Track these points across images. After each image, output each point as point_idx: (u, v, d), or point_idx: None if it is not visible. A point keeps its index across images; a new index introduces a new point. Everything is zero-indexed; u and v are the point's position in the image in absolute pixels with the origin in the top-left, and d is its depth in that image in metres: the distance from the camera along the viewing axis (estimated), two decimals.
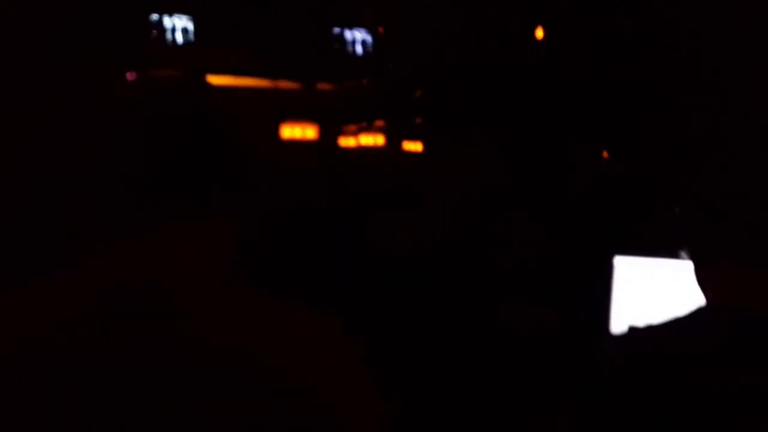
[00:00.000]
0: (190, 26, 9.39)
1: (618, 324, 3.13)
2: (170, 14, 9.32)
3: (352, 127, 9.39)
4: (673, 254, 3.12)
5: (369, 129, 9.40)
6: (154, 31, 9.14)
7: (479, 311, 4.30)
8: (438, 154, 7.52)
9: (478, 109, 7.18)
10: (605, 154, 6.73)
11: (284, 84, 9.32)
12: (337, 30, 9.74)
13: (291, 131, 8.71)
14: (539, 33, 7.95)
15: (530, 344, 3.93)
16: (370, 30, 9.88)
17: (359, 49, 9.88)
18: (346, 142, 9.31)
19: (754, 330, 1.11)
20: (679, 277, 3.08)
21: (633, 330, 1.27)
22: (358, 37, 9.88)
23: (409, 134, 8.99)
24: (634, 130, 6.30)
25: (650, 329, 1.23)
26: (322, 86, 9.57)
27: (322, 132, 8.97)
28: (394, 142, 9.24)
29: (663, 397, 1.10)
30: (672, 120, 5.72)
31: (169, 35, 9.30)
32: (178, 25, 9.36)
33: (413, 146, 9.03)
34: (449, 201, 5.64)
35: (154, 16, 9.15)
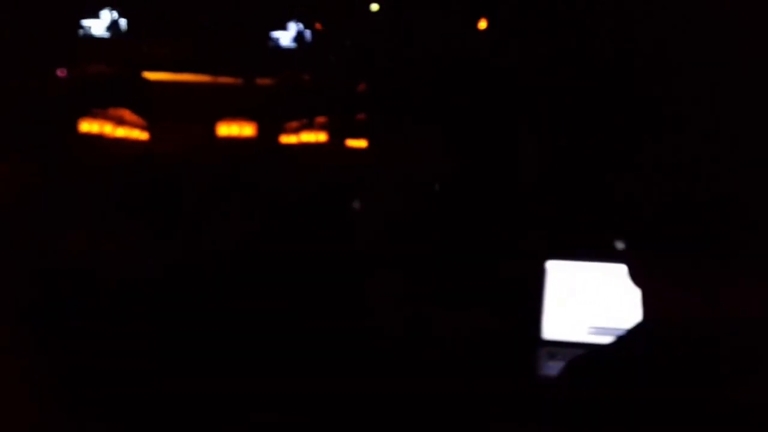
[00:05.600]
0: (122, 20, 9.15)
1: (551, 331, 3.08)
2: (102, 8, 9.09)
3: (294, 124, 9.20)
4: (608, 257, 3.05)
5: (311, 126, 9.21)
6: (85, 26, 8.90)
7: (408, 316, 4.25)
8: (383, 148, 7.43)
9: (422, 100, 7.17)
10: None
11: (223, 80, 9.13)
12: (275, 26, 9.59)
13: (228, 129, 8.51)
14: (482, 24, 7.93)
15: (460, 351, 3.86)
16: (308, 24, 9.74)
17: (298, 42, 9.72)
18: (288, 139, 9.11)
19: (694, 344, 1.08)
20: (612, 281, 3.02)
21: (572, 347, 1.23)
22: (294, 31, 9.74)
23: (352, 131, 8.81)
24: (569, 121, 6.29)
25: (590, 348, 1.19)
26: (262, 81, 9.37)
27: (262, 129, 8.80)
28: (336, 138, 9.07)
29: (606, 418, 1.07)
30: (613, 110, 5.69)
31: (100, 30, 9.06)
32: (110, 19, 9.12)
33: (356, 143, 8.84)
34: (395, 193, 5.64)
35: (85, 11, 8.91)
